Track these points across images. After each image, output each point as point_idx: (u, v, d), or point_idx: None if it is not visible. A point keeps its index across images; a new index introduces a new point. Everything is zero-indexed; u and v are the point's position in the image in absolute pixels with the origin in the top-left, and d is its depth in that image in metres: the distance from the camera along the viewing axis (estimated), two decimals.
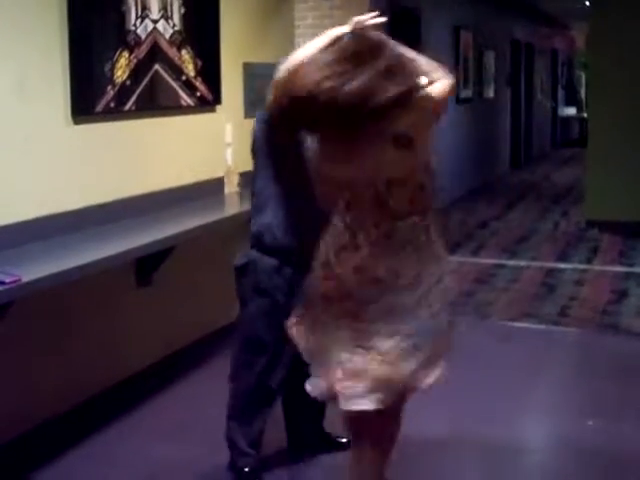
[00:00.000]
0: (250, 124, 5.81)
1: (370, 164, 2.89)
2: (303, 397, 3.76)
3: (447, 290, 3.15)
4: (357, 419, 3.17)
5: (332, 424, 4.03)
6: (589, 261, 8.36)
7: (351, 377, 3.01)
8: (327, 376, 3.08)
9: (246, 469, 3.74)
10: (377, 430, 3.20)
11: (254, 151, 3.59)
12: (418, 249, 3.05)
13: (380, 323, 2.99)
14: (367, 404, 3.01)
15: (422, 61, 2.98)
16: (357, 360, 3.00)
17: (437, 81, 2.94)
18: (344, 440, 3.92)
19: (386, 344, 2.97)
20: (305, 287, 3.17)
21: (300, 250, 3.42)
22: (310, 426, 4.02)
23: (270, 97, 3.06)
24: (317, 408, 3.93)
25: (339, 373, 3.03)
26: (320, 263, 3.06)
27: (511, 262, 8.30)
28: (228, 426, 3.78)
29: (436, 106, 2.94)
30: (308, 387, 3.15)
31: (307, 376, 3.51)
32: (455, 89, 3.12)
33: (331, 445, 4.03)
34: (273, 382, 3.70)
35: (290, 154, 3.34)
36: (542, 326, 6.10)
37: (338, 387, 3.03)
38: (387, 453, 3.29)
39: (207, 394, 4.74)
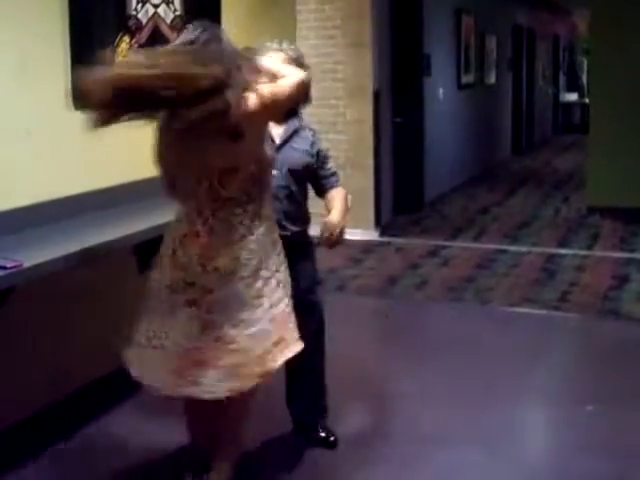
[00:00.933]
0: None
1: (202, 154, 3.04)
2: (301, 393, 3.80)
3: (286, 280, 3.29)
4: (196, 406, 3.33)
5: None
6: (590, 247, 8.36)
7: (201, 366, 3.11)
8: (171, 367, 3.16)
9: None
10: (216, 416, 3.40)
11: None
12: (257, 239, 3.17)
13: (224, 313, 3.11)
14: (221, 393, 3.12)
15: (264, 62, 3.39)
16: (206, 349, 3.11)
17: (279, 79, 3.21)
18: (332, 439, 3.98)
19: (232, 332, 3.11)
20: (149, 280, 3.25)
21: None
22: (310, 422, 4.03)
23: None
24: (315, 404, 3.95)
25: (188, 363, 3.12)
26: (167, 254, 3.21)
27: (512, 248, 8.30)
28: None
29: (265, 102, 3.07)
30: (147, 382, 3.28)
31: (309, 372, 3.60)
32: (302, 87, 3.30)
33: (315, 440, 4.02)
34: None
35: None
36: (543, 311, 6.10)
37: (188, 376, 3.12)
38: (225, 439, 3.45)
39: None
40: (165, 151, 3.21)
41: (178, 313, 3.15)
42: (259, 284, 3.16)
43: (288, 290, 3.32)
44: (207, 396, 3.16)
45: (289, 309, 3.30)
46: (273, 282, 3.21)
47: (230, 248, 3.12)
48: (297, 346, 3.28)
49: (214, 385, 3.13)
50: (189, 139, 3.05)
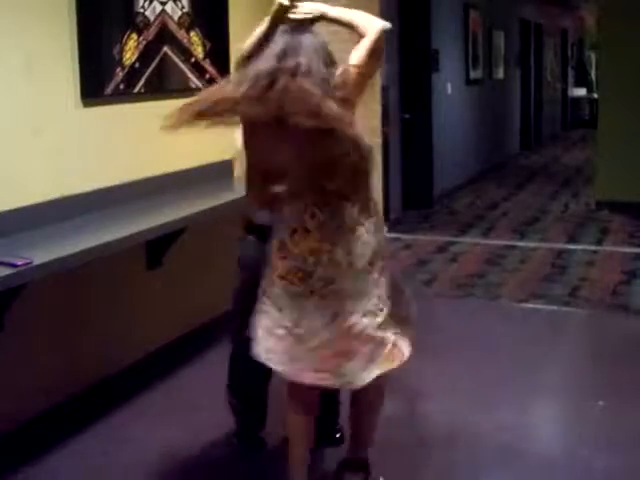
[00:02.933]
0: None
1: (300, 150, 2.95)
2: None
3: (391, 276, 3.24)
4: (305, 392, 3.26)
5: None
6: (599, 242, 8.34)
7: (341, 357, 3.09)
8: (311, 357, 3.11)
9: (250, 433, 3.92)
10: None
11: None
12: (368, 229, 3.13)
13: (351, 303, 3.07)
14: (360, 382, 3.12)
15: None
16: (342, 339, 3.08)
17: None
18: (337, 435, 3.97)
19: (364, 321, 3.08)
20: (265, 271, 3.22)
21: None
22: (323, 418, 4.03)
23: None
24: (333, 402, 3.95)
25: (327, 353, 3.09)
26: (275, 247, 3.14)
27: (521, 243, 8.29)
28: (228, 396, 3.94)
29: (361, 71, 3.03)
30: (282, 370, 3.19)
31: None
32: (382, 38, 3.11)
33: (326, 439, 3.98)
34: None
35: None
36: (552, 307, 6.10)
37: (328, 367, 3.11)
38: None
39: (218, 376, 4.75)
40: (260, 150, 3.09)
41: (304, 303, 3.10)
42: (375, 275, 3.12)
43: None
44: (348, 386, 3.19)
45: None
46: (382, 280, 3.16)
47: (343, 240, 3.07)
48: (414, 331, 3.32)
49: (354, 375, 3.12)
50: (285, 137, 2.95)
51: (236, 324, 3.79)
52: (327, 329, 3.07)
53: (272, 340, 3.15)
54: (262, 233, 3.60)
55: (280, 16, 3.11)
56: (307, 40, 3.04)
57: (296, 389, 3.27)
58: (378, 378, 3.19)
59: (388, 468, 3.63)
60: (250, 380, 3.88)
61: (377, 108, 8.46)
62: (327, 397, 3.88)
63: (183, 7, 5.14)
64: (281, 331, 3.12)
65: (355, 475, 3.50)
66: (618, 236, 8.58)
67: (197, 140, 5.44)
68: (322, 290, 3.06)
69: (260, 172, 3.09)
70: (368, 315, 3.09)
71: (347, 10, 3.14)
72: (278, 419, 4.00)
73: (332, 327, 3.07)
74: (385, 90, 8.56)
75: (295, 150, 2.95)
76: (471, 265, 7.44)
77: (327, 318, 3.07)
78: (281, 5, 3.09)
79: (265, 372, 3.80)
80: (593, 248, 8.03)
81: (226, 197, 5.08)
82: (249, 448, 3.90)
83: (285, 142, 2.94)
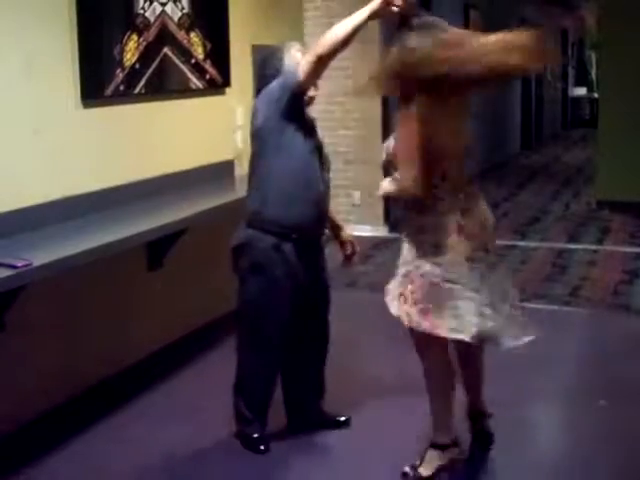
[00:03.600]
0: None
1: (457, 133, 3.27)
2: (302, 376, 3.87)
3: None
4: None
5: (328, 403, 4.09)
6: (600, 242, 8.33)
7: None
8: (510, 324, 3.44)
9: (255, 435, 3.89)
10: None
11: (259, 131, 3.69)
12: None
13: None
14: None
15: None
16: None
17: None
18: (342, 419, 4.08)
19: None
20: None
21: (307, 224, 3.66)
22: (308, 406, 4.06)
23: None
24: (316, 387, 4.00)
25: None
26: (452, 230, 3.30)
27: (522, 243, 8.28)
28: (234, 398, 3.93)
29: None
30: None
31: (305, 356, 3.64)
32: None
33: (328, 424, 4.09)
34: (273, 357, 3.87)
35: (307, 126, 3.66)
36: (553, 307, 6.09)
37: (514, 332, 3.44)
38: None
39: (219, 376, 4.75)
40: (429, 133, 3.23)
41: (490, 280, 3.35)
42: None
43: None
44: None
45: None
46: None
47: (486, 219, 3.43)
48: None
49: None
50: (447, 118, 3.23)
51: (264, 336, 3.81)
52: (506, 303, 3.41)
53: (482, 319, 3.32)
54: (286, 233, 3.67)
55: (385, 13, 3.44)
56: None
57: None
58: None
59: None
60: (258, 384, 3.91)
61: (378, 109, 8.48)
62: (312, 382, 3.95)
63: (183, 8, 5.14)
64: (488, 310, 3.33)
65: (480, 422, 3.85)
66: (619, 236, 8.57)
67: (197, 140, 5.47)
68: (496, 263, 3.43)
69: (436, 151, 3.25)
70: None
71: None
72: (278, 421, 4.03)
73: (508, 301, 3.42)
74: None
75: (455, 131, 3.29)
76: None
77: (502, 292, 3.41)
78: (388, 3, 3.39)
79: (273, 376, 3.90)
80: (594, 248, 8.02)
81: (227, 198, 5.09)
82: (252, 449, 3.90)
83: (449, 119, 3.24)
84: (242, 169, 5.83)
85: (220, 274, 5.61)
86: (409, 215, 3.50)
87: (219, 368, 4.90)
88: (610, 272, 7.09)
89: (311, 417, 4.08)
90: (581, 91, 22.38)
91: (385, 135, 8.56)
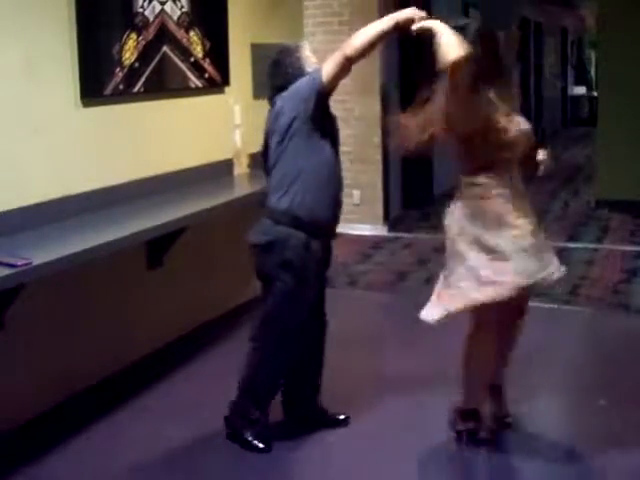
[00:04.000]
0: (259, 105, 5.79)
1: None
2: (302, 374, 3.87)
3: None
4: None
5: (327, 402, 4.10)
6: (599, 240, 8.33)
7: None
8: None
9: (258, 443, 3.86)
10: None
11: (286, 130, 3.69)
12: None
13: None
14: None
15: None
16: None
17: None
18: (341, 417, 4.08)
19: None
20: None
21: (333, 222, 3.77)
22: (306, 403, 4.07)
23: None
24: (314, 384, 4.00)
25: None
26: (514, 207, 3.72)
27: None
28: (241, 399, 3.89)
29: None
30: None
31: (306, 354, 3.66)
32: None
33: (327, 422, 4.09)
34: (294, 355, 3.88)
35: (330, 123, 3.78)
36: (553, 305, 6.09)
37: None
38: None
39: (220, 374, 4.76)
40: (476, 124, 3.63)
41: (542, 254, 3.75)
42: None
43: None
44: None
45: None
46: None
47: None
48: None
49: None
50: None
51: (288, 335, 3.81)
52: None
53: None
54: (315, 230, 3.71)
55: (407, 27, 3.63)
56: None
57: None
58: None
59: None
60: (275, 382, 3.94)
61: (377, 107, 8.48)
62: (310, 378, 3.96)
63: (182, 7, 5.14)
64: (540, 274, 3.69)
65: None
66: (618, 234, 8.57)
67: (196, 139, 5.47)
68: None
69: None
70: None
71: (447, 36, 3.47)
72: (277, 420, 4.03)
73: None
74: (385, 89, 8.56)
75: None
76: None
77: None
78: (412, 19, 3.61)
79: (287, 373, 3.93)
80: (593, 246, 8.02)
81: (227, 196, 5.09)
82: (252, 448, 3.90)
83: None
84: (241, 168, 5.84)
85: (220, 273, 5.63)
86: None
87: (219, 367, 4.90)
88: (609, 271, 7.09)
89: (309, 414, 4.08)
90: (580, 90, 22.38)
91: (385, 135, 8.55)
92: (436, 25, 3.52)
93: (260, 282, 3.86)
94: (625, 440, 3.96)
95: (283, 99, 3.74)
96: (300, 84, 3.70)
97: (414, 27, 3.59)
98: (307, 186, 3.69)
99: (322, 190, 3.73)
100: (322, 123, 3.73)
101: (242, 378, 3.90)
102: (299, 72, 3.77)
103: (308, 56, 3.83)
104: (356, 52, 3.60)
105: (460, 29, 3.60)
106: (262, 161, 3.96)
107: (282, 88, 3.77)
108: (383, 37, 3.69)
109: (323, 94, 3.67)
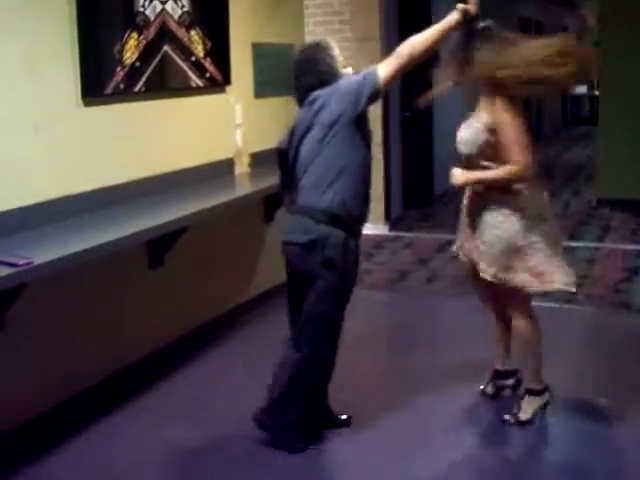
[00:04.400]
0: (260, 104, 5.80)
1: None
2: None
3: None
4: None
5: (330, 402, 4.10)
6: (600, 239, 8.33)
7: None
8: None
9: (298, 443, 3.90)
10: None
11: (330, 126, 3.67)
12: None
13: None
14: None
15: None
16: None
17: None
18: (343, 418, 4.10)
19: None
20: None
21: (364, 221, 3.84)
22: (318, 402, 4.06)
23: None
24: (326, 384, 3.99)
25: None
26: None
27: None
28: (284, 410, 3.86)
29: None
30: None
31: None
32: None
33: (331, 423, 4.09)
34: (334, 352, 3.90)
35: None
36: (554, 304, 6.08)
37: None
38: None
39: (221, 374, 4.76)
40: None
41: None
42: None
43: None
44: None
45: None
46: None
47: None
48: None
49: None
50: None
51: (332, 333, 3.84)
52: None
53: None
54: (352, 228, 3.74)
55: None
56: None
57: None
58: None
59: None
60: (320, 382, 3.96)
61: (378, 107, 8.47)
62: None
63: (183, 6, 5.13)
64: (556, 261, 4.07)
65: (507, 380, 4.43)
66: (619, 233, 8.57)
67: (198, 139, 5.47)
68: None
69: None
70: None
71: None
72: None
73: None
74: (386, 89, 8.54)
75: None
76: None
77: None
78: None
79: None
80: (594, 245, 8.02)
81: (228, 196, 5.09)
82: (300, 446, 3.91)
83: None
84: (242, 167, 5.83)
85: (221, 272, 5.62)
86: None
87: (220, 367, 4.90)
88: (611, 270, 7.08)
89: (317, 414, 4.07)
90: (581, 89, 22.35)
91: (386, 135, 8.56)
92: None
93: (292, 280, 3.85)
94: (626, 438, 3.96)
95: (326, 96, 3.70)
96: (348, 82, 3.70)
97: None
98: (347, 186, 3.70)
99: (358, 190, 3.76)
100: (364, 124, 3.75)
101: (281, 378, 3.84)
102: (334, 70, 3.76)
103: (338, 54, 3.81)
104: (412, 58, 3.66)
105: (487, 29, 3.93)
106: (278, 157, 3.92)
107: (315, 86, 3.73)
108: (438, 42, 3.75)
109: (378, 94, 3.69)
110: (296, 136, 3.79)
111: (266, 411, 3.88)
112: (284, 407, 3.85)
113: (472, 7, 3.83)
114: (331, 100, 3.68)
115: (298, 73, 3.82)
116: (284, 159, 3.88)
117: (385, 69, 3.67)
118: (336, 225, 3.68)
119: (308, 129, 3.74)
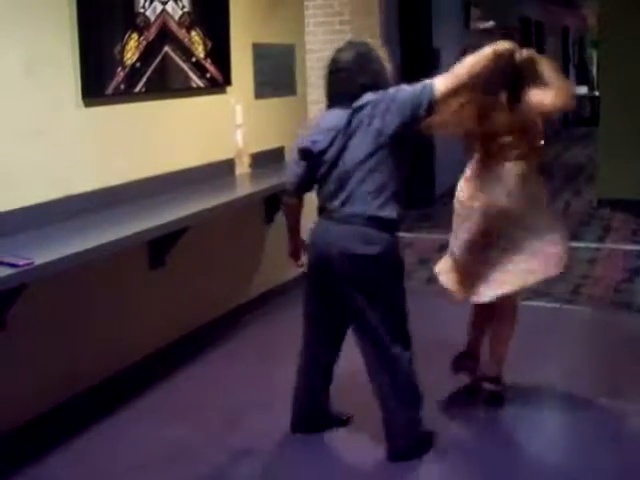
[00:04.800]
0: (260, 105, 5.80)
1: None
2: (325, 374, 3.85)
3: None
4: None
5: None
6: (601, 240, 8.33)
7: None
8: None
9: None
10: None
11: (390, 135, 3.60)
12: None
13: None
14: None
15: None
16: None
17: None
18: (343, 417, 4.11)
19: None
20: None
21: None
22: (324, 404, 4.06)
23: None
24: (328, 384, 3.99)
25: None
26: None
27: None
28: (411, 414, 3.83)
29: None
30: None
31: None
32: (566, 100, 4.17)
33: (331, 422, 4.10)
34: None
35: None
36: (555, 305, 6.09)
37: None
38: None
39: (221, 375, 4.77)
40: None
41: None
42: None
43: None
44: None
45: None
46: None
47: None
48: None
49: None
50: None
51: (409, 335, 3.91)
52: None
53: None
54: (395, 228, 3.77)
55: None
56: None
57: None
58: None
59: None
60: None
61: None
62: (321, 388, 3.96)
63: (184, 7, 5.13)
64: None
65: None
66: (620, 234, 8.57)
67: (198, 139, 5.47)
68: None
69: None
70: None
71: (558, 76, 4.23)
72: (276, 420, 4.02)
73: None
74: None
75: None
76: None
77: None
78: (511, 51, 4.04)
79: None
80: (595, 246, 8.02)
81: (228, 196, 5.09)
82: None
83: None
84: (242, 168, 5.84)
85: (221, 272, 5.62)
86: None
87: (221, 367, 4.90)
88: (611, 270, 7.09)
89: (318, 414, 4.07)
90: (582, 90, 22.36)
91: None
92: (536, 56, 4.30)
93: (356, 292, 3.70)
94: (626, 438, 3.96)
95: (379, 102, 3.60)
96: (405, 92, 3.62)
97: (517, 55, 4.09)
98: (400, 196, 3.76)
99: (401, 201, 3.78)
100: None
101: (394, 390, 3.79)
102: (386, 73, 3.73)
103: (385, 57, 3.77)
104: (468, 78, 3.65)
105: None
106: (306, 156, 3.73)
107: (367, 87, 3.64)
108: (488, 65, 3.71)
109: (434, 106, 3.61)
110: (339, 139, 3.63)
111: (402, 431, 3.80)
112: (414, 415, 3.81)
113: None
114: (389, 108, 3.58)
115: (352, 69, 3.65)
116: (317, 160, 3.69)
117: (443, 83, 3.60)
118: (393, 233, 3.72)
119: (353, 134, 3.61)
